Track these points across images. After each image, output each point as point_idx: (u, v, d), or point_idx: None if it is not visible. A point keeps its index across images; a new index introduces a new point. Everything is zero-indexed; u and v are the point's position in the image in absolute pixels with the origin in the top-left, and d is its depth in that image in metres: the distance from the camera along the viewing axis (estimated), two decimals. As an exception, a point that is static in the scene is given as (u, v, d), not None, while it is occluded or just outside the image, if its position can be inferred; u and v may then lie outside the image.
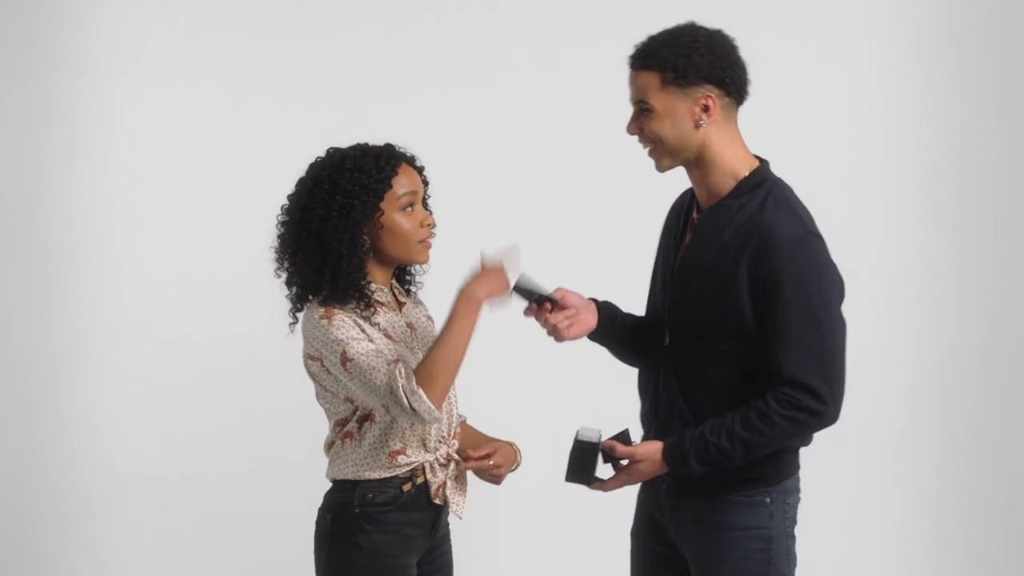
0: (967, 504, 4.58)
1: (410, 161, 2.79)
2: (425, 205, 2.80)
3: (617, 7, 4.45)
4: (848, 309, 2.71)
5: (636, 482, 2.73)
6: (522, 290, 2.77)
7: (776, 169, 2.81)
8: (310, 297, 2.73)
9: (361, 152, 2.74)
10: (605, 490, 2.74)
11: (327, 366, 2.68)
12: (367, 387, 2.62)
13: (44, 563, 4.50)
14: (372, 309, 2.72)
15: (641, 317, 2.93)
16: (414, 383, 2.58)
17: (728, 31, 2.84)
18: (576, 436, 2.71)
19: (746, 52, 2.77)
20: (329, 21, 4.50)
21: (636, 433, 2.79)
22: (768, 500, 2.70)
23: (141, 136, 4.48)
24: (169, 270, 4.48)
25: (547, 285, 2.79)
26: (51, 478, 4.50)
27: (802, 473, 2.80)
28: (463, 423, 2.96)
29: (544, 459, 4.30)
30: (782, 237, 2.61)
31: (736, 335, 2.65)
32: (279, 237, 2.77)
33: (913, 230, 4.59)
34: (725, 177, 2.72)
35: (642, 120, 2.70)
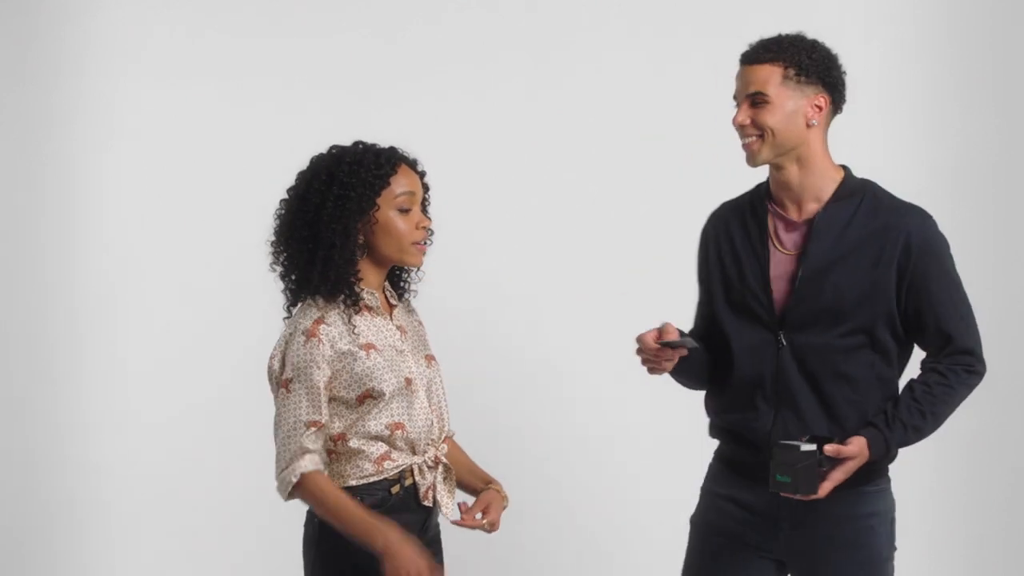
0: (967, 504, 4.57)
1: (411, 164, 2.80)
2: (424, 210, 2.80)
3: (617, 8, 4.44)
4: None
5: (844, 479, 2.78)
6: (675, 344, 2.75)
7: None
8: (307, 300, 2.74)
9: (363, 149, 2.76)
10: (822, 494, 2.76)
11: (270, 377, 2.72)
12: (275, 423, 2.68)
13: (37, 566, 4.51)
14: (358, 309, 2.73)
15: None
16: (299, 465, 2.65)
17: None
18: (798, 448, 2.69)
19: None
20: (329, 21, 4.50)
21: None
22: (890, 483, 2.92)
23: (141, 136, 4.48)
24: (168, 269, 4.48)
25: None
26: (44, 478, 4.50)
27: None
28: (448, 439, 2.95)
29: (541, 460, 4.29)
30: (920, 229, 2.83)
31: (868, 327, 2.78)
32: (275, 229, 2.78)
33: (913, 230, 4.58)
34: (825, 179, 2.85)
35: (755, 111, 2.79)
